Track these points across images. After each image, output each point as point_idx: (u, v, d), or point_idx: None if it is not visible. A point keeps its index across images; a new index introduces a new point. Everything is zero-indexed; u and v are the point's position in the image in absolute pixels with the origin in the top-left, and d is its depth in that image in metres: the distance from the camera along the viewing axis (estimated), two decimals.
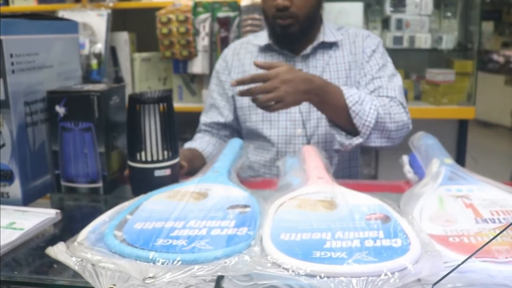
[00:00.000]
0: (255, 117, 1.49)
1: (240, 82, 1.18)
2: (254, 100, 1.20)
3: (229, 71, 1.56)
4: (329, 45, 1.48)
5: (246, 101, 1.50)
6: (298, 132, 1.45)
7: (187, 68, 2.48)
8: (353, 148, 1.33)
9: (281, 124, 1.47)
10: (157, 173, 1.04)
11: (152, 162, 1.03)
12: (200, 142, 1.51)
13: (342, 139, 1.31)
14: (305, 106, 1.44)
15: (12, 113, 0.98)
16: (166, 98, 1.04)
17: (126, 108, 1.06)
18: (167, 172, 1.05)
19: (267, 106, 1.18)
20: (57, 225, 0.90)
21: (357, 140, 1.28)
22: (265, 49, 1.53)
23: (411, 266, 0.61)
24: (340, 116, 1.28)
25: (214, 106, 1.57)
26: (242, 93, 1.19)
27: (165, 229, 0.74)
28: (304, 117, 1.45)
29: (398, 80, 1.43)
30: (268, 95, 1.15)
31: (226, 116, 1.55)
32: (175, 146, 1.07)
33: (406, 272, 0.60)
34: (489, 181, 0.93)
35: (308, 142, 1.44)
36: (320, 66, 1.46)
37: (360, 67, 1.46)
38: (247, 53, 1.55)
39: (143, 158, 1.03)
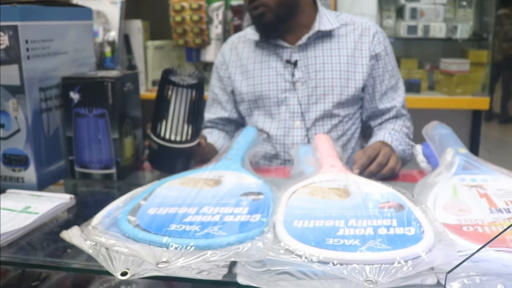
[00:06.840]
0: (257, 111, 1.49)
1: (362, 167, 1.13)
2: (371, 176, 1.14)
3: (226, 66, 1.54)
4: (329, 34, 1.44)
5: (245, 96, 1.49)
6: (297, 124, 1.44)
7: (200, 56, 2.49)
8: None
9: (281, 117, 1.45)
10: (180, 152, 1.09)
11: (180, 142, 1.08)
12: (210, 136, 1.51)
13: None
14: (304, 98, 1.43)
15: (27, 98, 0.98)
16: (198, 85, 1.09)
17: (157, 88, 1.08)
18: (189, 152, 1.10)
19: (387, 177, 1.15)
20: (71, 210, 0.90)
21: None
22: (261, 42, 1.49)
23: (424, 254, 0.61)
24: None
25: (217, 101, 1.57)
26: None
27: (178, 215, 0.74)
28: (303, 109, 1.43)
29: (402, 89, 1.50)
30: (386, 168, 1.14)
31: (229, 110, 1.55)
32: (200, 129, 1.13)
33: (419, 260, 0.60)
34: (504, 171, 0.93)
35: (307, 134, 1.43)
36: (320, 57, 1.43)
37: (367, 68, 1.42)
38: (244, 47, 1.53)
39: (171, 137, 1.07)
